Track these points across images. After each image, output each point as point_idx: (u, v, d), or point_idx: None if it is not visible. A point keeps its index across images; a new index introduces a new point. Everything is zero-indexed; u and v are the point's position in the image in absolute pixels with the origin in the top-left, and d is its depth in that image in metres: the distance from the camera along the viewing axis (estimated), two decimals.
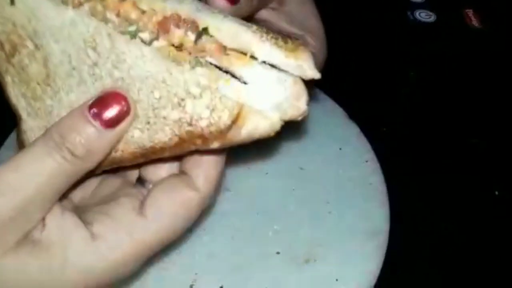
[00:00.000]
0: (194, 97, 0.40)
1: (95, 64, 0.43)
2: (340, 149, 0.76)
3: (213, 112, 0.40)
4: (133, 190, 0.46)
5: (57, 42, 0.44)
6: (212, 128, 0.41)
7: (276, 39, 0.40)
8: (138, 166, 0.48)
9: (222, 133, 0.40)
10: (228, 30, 0.41)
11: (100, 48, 0.43)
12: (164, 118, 0.42)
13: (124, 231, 0.42)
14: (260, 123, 0.40)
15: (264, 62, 0.40)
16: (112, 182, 0.48)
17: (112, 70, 0.43)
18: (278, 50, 0.40)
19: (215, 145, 0.41)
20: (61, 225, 0.41)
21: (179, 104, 0.41)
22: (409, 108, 0.88)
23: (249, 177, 0.72)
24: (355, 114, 0.80)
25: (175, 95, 0.41)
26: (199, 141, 0.42)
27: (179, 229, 0.44)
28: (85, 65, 0.44)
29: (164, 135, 0.42)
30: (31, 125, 0.49)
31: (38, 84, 0.47)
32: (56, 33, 0.44)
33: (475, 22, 1.00)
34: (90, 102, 0.41)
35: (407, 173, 0.75)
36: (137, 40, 0.42)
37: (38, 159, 0.40)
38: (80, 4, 0.43)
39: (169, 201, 0.43)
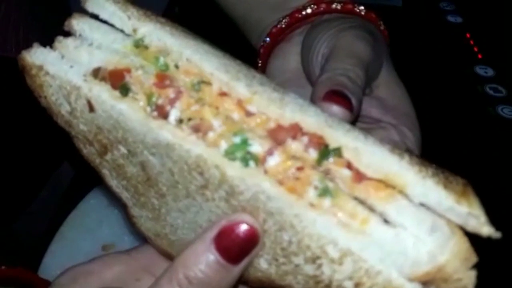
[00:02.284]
0: (332, 261, 0.34)
1: (204, 186, 0.37)
2: None
3: (358, 287, 0.34)
4: None
5: (154, 156, 0.39)
6: None
7: (437, 175, 0.32)
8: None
9: None
10: (372, 155, 0.33)
11: (207, 175, 0.36)
12: (296, 266, 0.36)
13: None
14: None
15: (415, 201, 0.33)
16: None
17: (228, 197, 0.36)
18: (445, 191, 0.32)
19: None
20: None
21: (314, 261, 0.35)
22: None
23: None
24: None
25: (308, 248, 0.34)
26: None
27: None
28: (191, 184, 0.38)
29: (295, 282, 0.37)
30: (139, 213, 0.45)
31: (139, 183, 0.42)
32: (150, 148, 0.38)
33: None
34: (215, 233, 0.37)
35: None
36: (251, 168, 0.35)
37: None
38: (169, 107, 0.37)
39: None
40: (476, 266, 0.32)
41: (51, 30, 0.43)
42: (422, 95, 0.58)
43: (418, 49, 1.11)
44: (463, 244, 0.32)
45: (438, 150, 0.64)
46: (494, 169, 0.88)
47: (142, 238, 0.48)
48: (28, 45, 0.53)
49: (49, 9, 0.80)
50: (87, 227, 0.72)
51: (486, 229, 0.31)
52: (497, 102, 0.99)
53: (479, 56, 1.11)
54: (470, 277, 0.32)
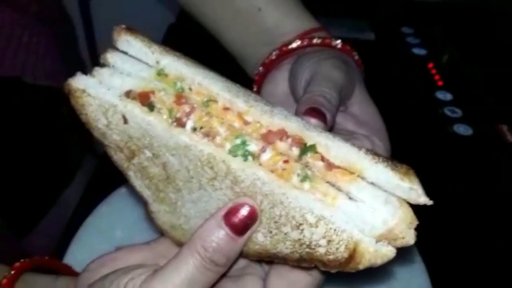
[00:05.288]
0: (311, 225, 0.43)
1: (214, 178, 0.47)
2: None
3: (330, 243, 0.43)
4: (255, 270, 0.53)
5: (173, 156, 0.48)
6: (331, 257, 0.44)
7: (387, 161, 0.42)
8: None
9: (341, 265, 0.44)
10: (338, 149, 0.43)
11: (216, 168, 0.46)
12: (285, 234, 0.46)
13: None
14: (376, 257, 0.42)
15: (372, 182, 0.42)
16: (239, 261, 0.54)
17: (232, 185, 0.46)
18: (392, 172, 0.41)
19: (333, 270, 0.45)
20: None
21: (298, 227, 0.44)
22: None
23: None
24: None
25: (293, 218, 0.44)
26: (319, 264, 0.45)
27: None
28: (203, 177, 0.47)
29: (285, 248, 0.46)
30: (158, 209, 0.54)
31: (160, 181, 0.51)
32: (171, 150, 0.47)
33: (509, 137, 1.10)
34: (224, 212, 0.46)
35: None
36: (249, 161, 0.44)
37: (184, 270, 0.46)
38: (186, 119, 0.45)
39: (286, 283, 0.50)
40: (417, 228, 0.43)
41: (69, 61, 0.51)
42: (389, 116, 0.66)
43: (388, 76, 1.24)
44: (408, 213, 0.42)
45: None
46: (451, 180, 1.00)
47: (159, 233, 0.57)
48: (55, 74, 0.61)
49: (65, 42, 0.90)
50: (101, 231, 0.80)
51: (422, 199, 0.42)
52: (454, 122, 1.13)
53: (440, 83, 1.25)
54: (412, 235, 0.42)
